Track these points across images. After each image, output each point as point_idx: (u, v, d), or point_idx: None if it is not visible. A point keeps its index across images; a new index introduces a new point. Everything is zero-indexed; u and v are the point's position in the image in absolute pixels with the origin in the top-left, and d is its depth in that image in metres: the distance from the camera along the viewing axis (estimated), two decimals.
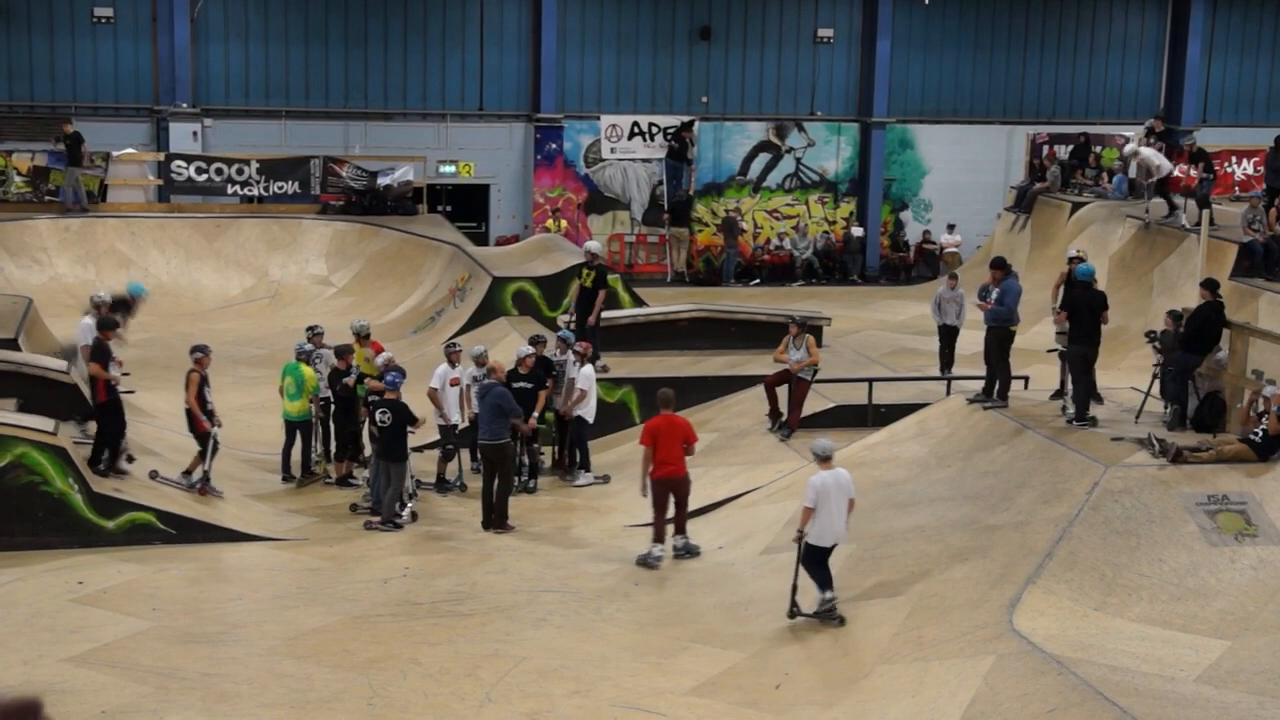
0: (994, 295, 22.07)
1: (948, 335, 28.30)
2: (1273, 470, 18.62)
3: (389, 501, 22.17)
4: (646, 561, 20.59)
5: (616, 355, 27.70)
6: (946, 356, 28.21)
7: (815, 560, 18.02)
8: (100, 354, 21.57)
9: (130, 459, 22.11)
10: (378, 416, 22.10)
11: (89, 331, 23.13)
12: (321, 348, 24.74)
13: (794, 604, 18.07)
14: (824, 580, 17.97)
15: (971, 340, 26.47)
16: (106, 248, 37.92)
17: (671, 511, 20.90)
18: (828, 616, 17.89)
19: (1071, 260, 23.11)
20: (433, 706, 15.98)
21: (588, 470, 24.49)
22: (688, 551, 20.86)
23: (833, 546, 18.08)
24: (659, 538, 20.80)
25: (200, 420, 22.27)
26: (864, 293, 43.83)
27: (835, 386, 26.06)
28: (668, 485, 20.75)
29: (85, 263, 37.64)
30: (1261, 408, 19.06)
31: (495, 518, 21.96)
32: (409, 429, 22.26)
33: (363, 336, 25.04)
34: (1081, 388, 20.85)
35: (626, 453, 25.49)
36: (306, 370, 24.13)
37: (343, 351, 24.12)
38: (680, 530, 20.97)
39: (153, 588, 19.31)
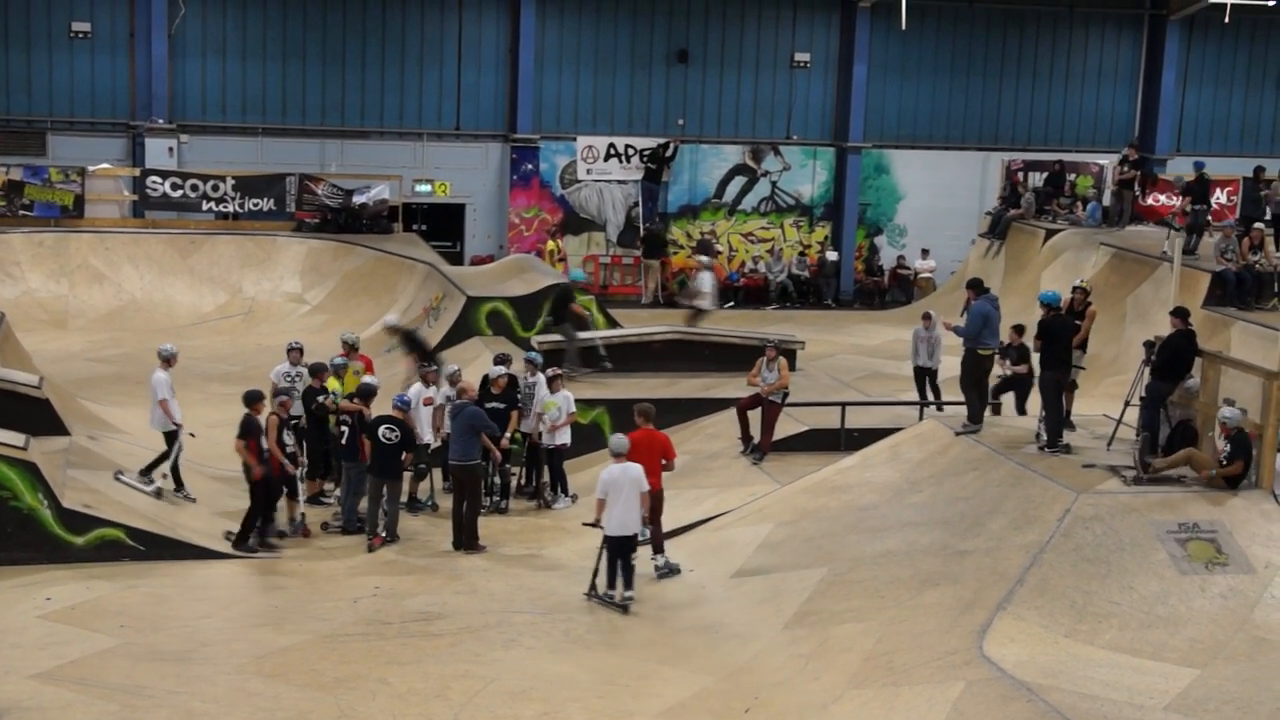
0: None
1: (921, 376, 28.35)
2: (1243, 499, 18.67)
3: (392, 518, 22.27)
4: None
5: (591, 377, 27.70)
6: (923, 396, 28.27)
7: (611, 550, 19.83)
8: (251, 430, 21.48)
9: (281, 534, 22.21)
10: (383, 432, 21.95)
11: (163, 385, 23.10)
12: (299, 366, 24.65)
13: (592, 586, 20.00)
14: (613, 577, 19.84)
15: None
16: (80, 262, 37.85)
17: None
18: (615, 606, 19.68)
19: (1075, 290, 23.16)
20: None
21: (566, 493, 24.47)
22: (669, 570, 20.86)
23: (630, 538, 19.78)
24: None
25: (284, 464, 22.22)
26: (838, 317, 43.87)
27: (808, 410, 26.10)
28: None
29: (59, 277, 37.58)
30: (1219, 432, 19.20)
31: (465, 538, 21.92)
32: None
33: (352, 348, 25.16)
34: (1053, 414, 20.91)
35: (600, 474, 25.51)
36: (332, 383, 24.09)
37: (317, 370, 24.06)
38: (659, 549, 21.01)
39: (121, 604, 19.24)
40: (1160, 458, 19.63)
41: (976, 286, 22.92)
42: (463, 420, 22.13)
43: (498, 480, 24.05)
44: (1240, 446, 18.83)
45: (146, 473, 23.17)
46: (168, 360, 23.57)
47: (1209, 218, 35.12)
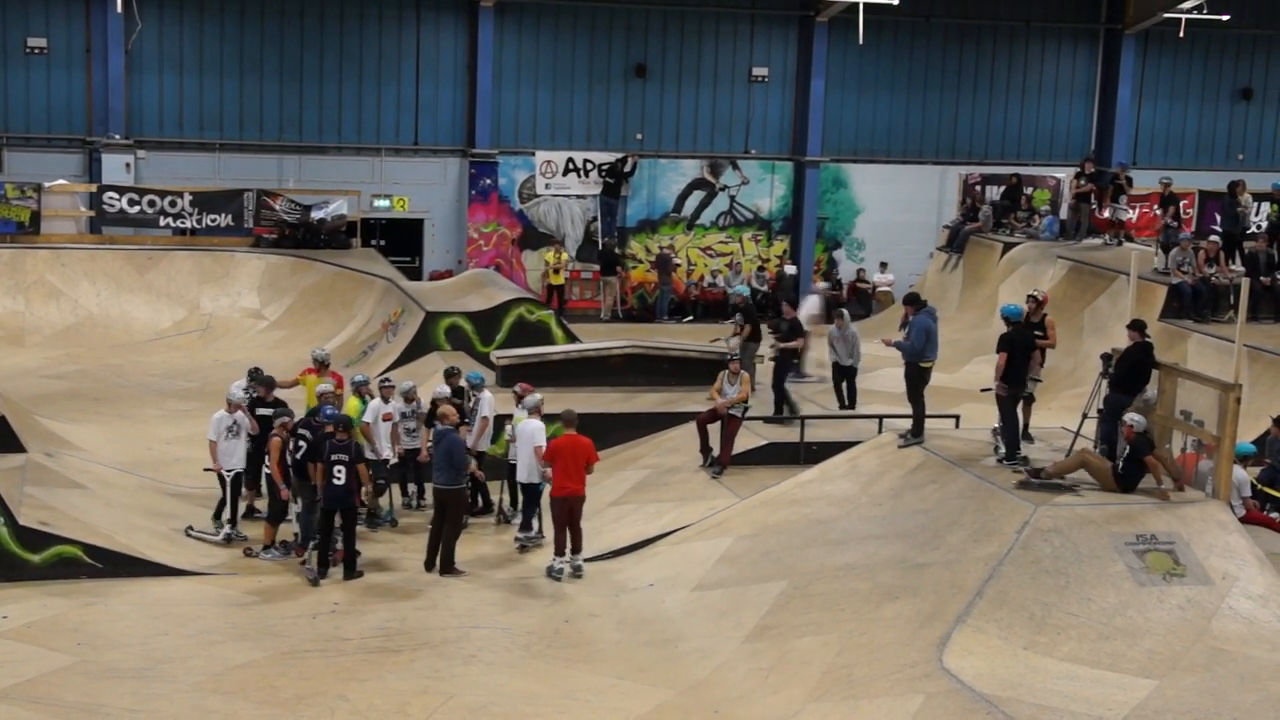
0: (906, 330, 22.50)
1: (839, 374, 28.53)
2: (1200, 510, 18.75)
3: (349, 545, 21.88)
4: (551, 573, 21.60)
5: (549, 391, 27.59)
6: (840, 395, 28.48)
7: (524, 496, 23.14)
8: (360, 455, 21.38)
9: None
10: (335, 463, 21.30)
11: (212, 426, 22.65)
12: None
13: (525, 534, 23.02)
14: (525, 520, 23.05)
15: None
16: (36, 279, 37.63)
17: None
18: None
19: (1029, 299, 23.29)
20: None
21: None
22: (576, 571, 21.62)
23: (533, 485, 22.67)
24: (560, 551, 21.70)
25: (281, 488, 22.06)
26: None
27: (767, 424, 26.12)
28: (569, 503, 21.53)
29: (14, 294, 37.35)
30: (1125, 436, 19.40)
31: (443, 563, 21.77)
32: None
33: (323, 365, 25.22)
34: (1009, 427, 20.98)
35: None
36: (351, 401, 23.98)
37: (264, 381, 23.84)
38: (577, 549, 21.72)
39: (78, 622, 19.13)
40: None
41: (914, 301, 23.05)
42: (443, 449, 21.98)
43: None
44: (1138, 448, 19.15)
45: (216, 517, 23.07)
46: (229, 404, 22.97)
47: (1177, 235, 35.23)
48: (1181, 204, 38.14)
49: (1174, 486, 19.21)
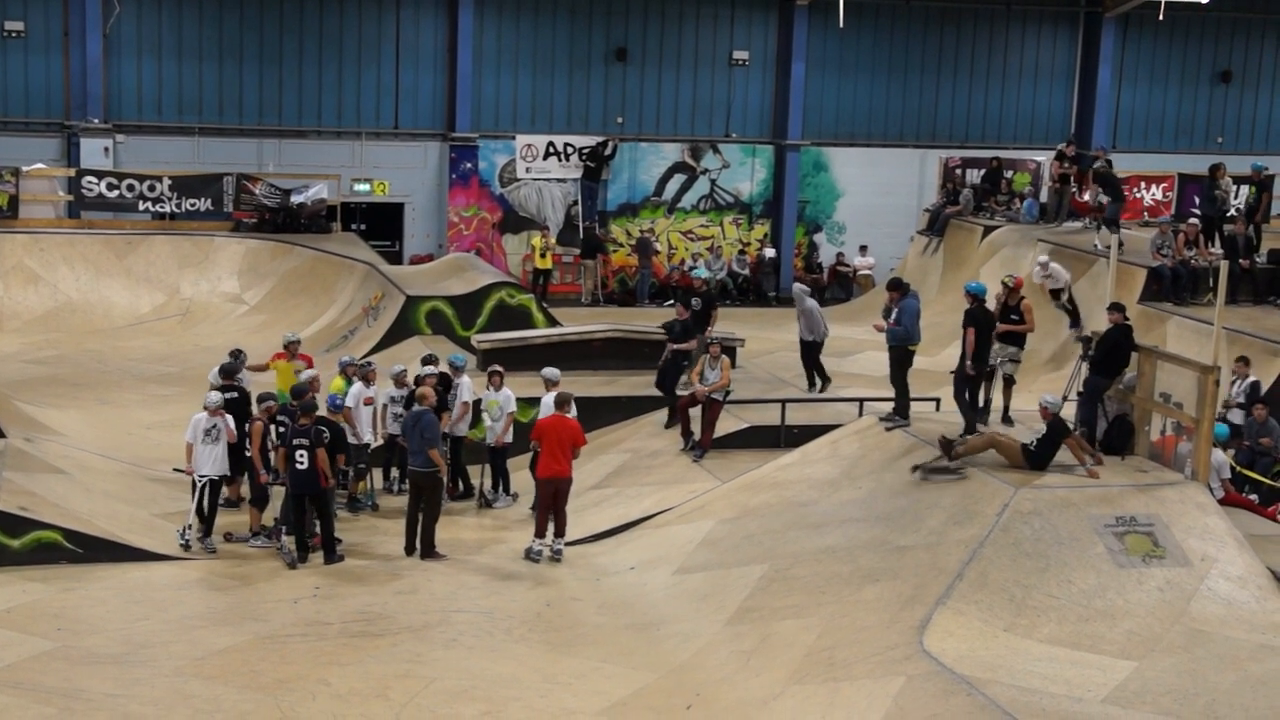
0: (894, 315, 22.39)
1: (806, 350, 28.36)
2: (1179, 492, 18.80)
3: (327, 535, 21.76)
4: (529, 555, 21.64)
5: (530, 375, 27.61)
6: (809, 374, 28.36)
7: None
8: (321, 439, 21.22)
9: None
10: (296, 448, 21.27)
11: (189, 427, 21.95)
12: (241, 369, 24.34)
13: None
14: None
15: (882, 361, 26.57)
16: (14, 264, 37.51)
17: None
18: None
19: (1003, 285, 23.23)
20: None
21: (507, 492, 24.48)
22: (555, 555, 21.59)
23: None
24: (540, 533, 21.68)
25: (260, 473, 21.93)
26: (777, 314, 43.80)
27: (748, 407, 26.15)
28: (554, 484, 21.51)
29: None
30: (1042, 416, 19.50)
31: (424, 546, 21.74)
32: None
33: (292, 348, 25.23)
34: (964, 404, 21.10)
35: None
36: (336, 381, 23.93)
37: (229, 370, 23.72)
38: (560, 533, 21.70)
39: (58, 607, 19.10)
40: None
41: (899, 286, 22.93)
42: (421, 429, 21.95)
43: None
44: (1055, 430, 19.30)
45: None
46: (205, 408, 22.07)
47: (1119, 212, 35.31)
48: (1158, 186, 38.27)
49: (1095, 463, 19.28)
